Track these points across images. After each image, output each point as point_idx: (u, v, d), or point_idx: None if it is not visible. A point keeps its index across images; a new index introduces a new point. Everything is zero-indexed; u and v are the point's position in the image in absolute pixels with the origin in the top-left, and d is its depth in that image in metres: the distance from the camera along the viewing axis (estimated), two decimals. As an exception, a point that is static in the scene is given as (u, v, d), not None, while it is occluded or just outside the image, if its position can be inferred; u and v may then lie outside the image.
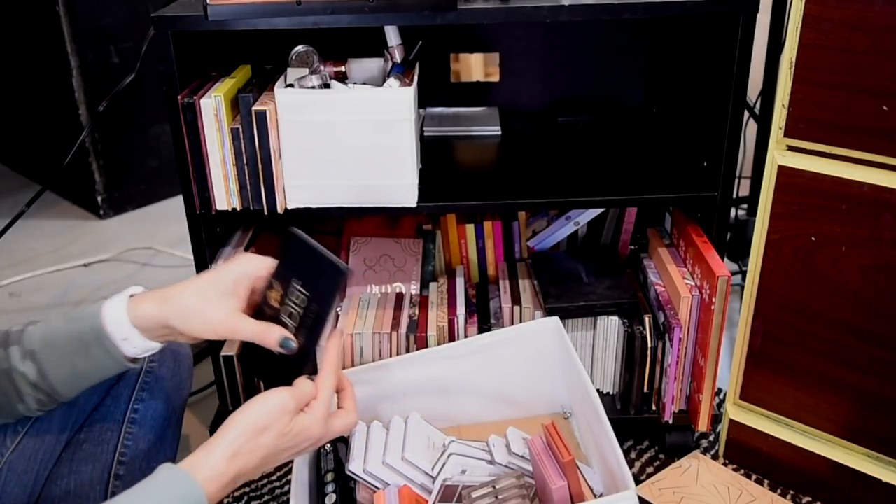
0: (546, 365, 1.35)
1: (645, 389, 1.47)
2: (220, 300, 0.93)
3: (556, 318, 1.33)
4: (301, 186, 1.34)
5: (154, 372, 1.11)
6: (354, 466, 1.18)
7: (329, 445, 1.22)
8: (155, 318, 0.92)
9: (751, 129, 1.95)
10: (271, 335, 0.93)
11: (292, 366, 0.95)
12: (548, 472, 1.09)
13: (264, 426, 0.86)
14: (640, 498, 1.17)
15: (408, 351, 1.43)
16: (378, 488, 1.17)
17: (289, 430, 0.88)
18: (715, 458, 1.49)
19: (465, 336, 1.46)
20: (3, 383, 0.92)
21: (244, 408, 0.88)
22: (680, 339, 1.40)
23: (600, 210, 1.62)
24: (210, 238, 1.42)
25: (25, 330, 0.93)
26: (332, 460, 1.19)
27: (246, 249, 1.47)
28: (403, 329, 1.44)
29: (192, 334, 0.93)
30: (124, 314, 0.92)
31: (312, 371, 0.94)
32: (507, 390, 1.36)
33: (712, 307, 1.33)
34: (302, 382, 0.92)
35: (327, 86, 1.33)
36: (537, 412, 1.38)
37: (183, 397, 1.17)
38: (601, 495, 1.15)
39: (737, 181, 1.42)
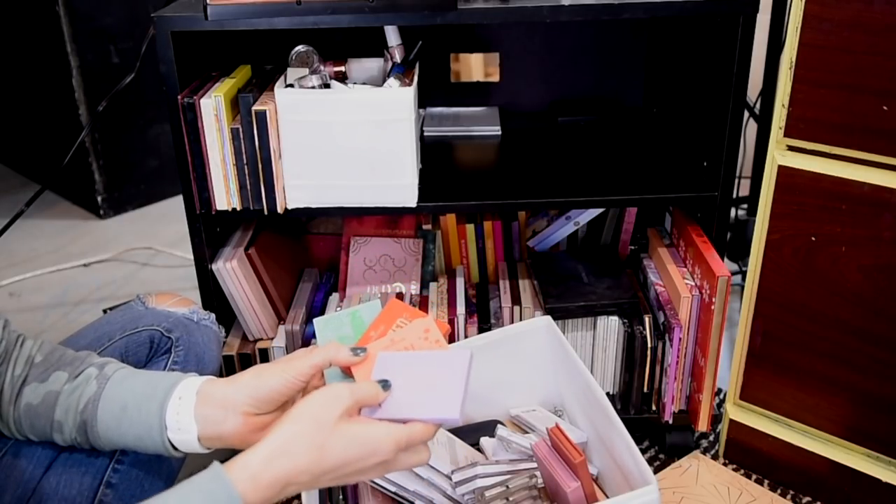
0: (539, 364, 1.35)
1: (645, 389, 1.47)
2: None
3: (548, 318, 1.33)
4: (301, 186, 1.34)
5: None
6: None
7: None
8: (224, 391, 0.89)
9: (751, 129, 1.95)
10: (339, 350, 0.89)
11: None
12: (558, 474, 1.09)
13: (315, 419, 0.78)
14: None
15: (408, 351, 1.43)
16: (391, 491, 1.16)
17: (352, 435, 0.79)
18: (715, 458, 1.49)
19: (466, 336, 1.46)
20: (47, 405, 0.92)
21: (297, 402, 0.82)
22: (680, 339, 1.40)
23: (600, 210, 1.62)
24: (210, 238, 1.42)
25: (105, 385, 0.92)
26: None
27: (246, 250, 1.47)
28: (403, 329, 1.44)
29: (265, 389, 0.88)
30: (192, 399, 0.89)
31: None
32: (501, 390, 1.36)
33: (712, 307, 1.33)
34: (365, 383, 0.85)
35: (327, 86, 1.33)
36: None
37: None
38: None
39: (737, 181, 1.42)
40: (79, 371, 0.93)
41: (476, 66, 1.74)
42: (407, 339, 0.93)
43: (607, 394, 1.50)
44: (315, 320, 0.96)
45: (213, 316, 1.15)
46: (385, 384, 0.87)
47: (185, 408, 0.88)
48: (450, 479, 1.17)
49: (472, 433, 1.28)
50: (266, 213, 1.35)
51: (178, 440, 0.89)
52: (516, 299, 1.50)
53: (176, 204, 2.54)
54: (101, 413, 0.91)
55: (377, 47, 1.41)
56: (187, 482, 0.76)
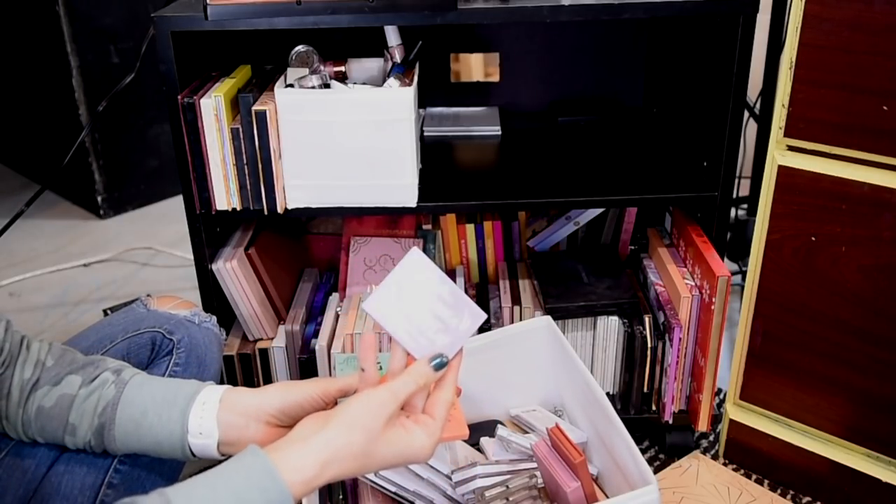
0: (539, 364, 1.35)
1: (645, 389, 1.47)
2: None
3: (548, 318, 1.33)
4: (301, 186, 1.34)
5: (177, 377, 1.08)
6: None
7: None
8: (249, 400, 0.91)
9: (751, 129, 1.95)
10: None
11: None
12: (558, 474, 1.09)
13: (365, 429, 0.80)
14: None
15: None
16: (391, 491, 1.16)
17: (396, 445, 0.81)
18: (715, 458, 1.49)
19: (465, 336, 1.46)
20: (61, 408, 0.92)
21: (344, 406, 0.82)
22: (680, 339, 1.40)
23: (600, 210, 1.62)
24: (210, 238, 1.42)
25: (123, 389, 0.92)
26: None
27: (246, 250, 1.47)
28: (403, 329, 1.44)
29: (291, 402, 0.90)
30: (215, 406, 0.91)
31: None
32: (501, 390, 1.36)
33: (712, 307, 1.33)
34: (404, 379, 0.84)
35: (327, 86, 1.33)
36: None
37: None
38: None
39: (737, 181, 1.42)
40: (94, 375, 0.93)
41: (476, 66, 1.74)
42: None
43: (607, 394, 1.50)
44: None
45: (214, 318, 1.16)
46: (440, 363, 0.86)
47: (208, 413, 0.90)
48: (450, 479, 1.17)
49: (472, 433, 1.28)
50: (266, 213, 1.35)
51: (197, 445, 0.90)
52: (516, 299, 1.50)
53: (176, 204, 2.54)
54: (119, 417, 0.91)
55: (377, 47, 1.41)
56: (234, 471, 0.75)
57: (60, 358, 0.95)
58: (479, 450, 1.28)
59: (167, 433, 0.90)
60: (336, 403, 0.95)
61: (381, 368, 0.99)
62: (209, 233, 1.41)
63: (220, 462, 0.81)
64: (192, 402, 0.90)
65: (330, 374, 1.40)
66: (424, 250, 1.63)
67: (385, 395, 0.82)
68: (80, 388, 0.92)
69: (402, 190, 1.34)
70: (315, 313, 1.57)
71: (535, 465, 1.19)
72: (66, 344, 1.06)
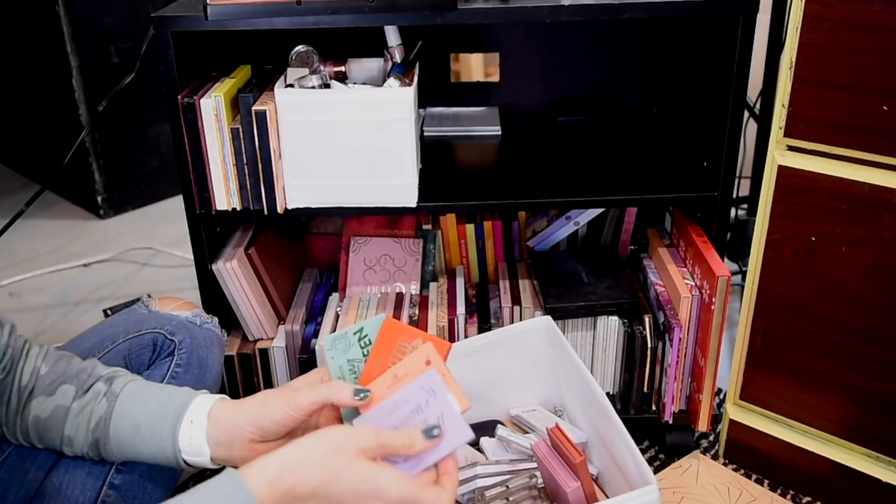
0: (539, 364, 1.35)
1: (645, 389, 1.47)
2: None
3: (548, 318, 1.33)
4: (301, 186, 1.34)
5: (178, 378, 1.08)
6: None
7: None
8: (231, 417, 0.89)
9: (751, 129, 1.95)
10: (342, 390, 0.87)
11: None
12: (558, 474, 1.09)
13: (334, 443, 0.79)
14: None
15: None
16: None
17: (363, 472, 0.79)
18: (715, 458, 1.49)
19: (466, 336, 1.46)
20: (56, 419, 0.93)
21: (329, 427, 0.83)
22: (680, 339, 1.40)
23: (600, 210, 1.62)
24: (210, 238, 1.42)
25: (115, 400, 0.92)
26: None
27: (246, 250, 1.47)
28: (403, 329, 1.44)
29: (267, 419, 0.88)
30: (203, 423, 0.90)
31: None
32: (501, 390, 1.36)
33: (712, 307, 1.33)
34: (401, 434, 0.82)
35: (327, 86, 1.33)
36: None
37: None
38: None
39: (737, 181, 1.42)
40: (87, 386, 0.93)
41: (476, 66, 1.74)
42: (410, 373, 0.89)
43: (607, 394, 1.50)
44: (325, 340, 0.96)
45: (215, 319, 1.16)
46: (434, 433, 0.83)
47: (197, 432, 0.89)
48: None
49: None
50: (266, 213, 1.35)
51: (190, 460, 0.91)
52: (516, 299, 1.50)
53: (176, 204, 2.54)
54: (113, 431, 0.91)
55: (377, 47, 1.41)
56: (203, 486, 0.77)
57: (55, 364, 0.95)
58: (479, 450, 1.28)
59: (160, 449, 0.90)
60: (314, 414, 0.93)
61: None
62: (209, 233, 1.41)
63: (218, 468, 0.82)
64: (181, 420, 0.90)
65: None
66: (424, 250, 1.63)
67: (367, 429, 0.82)
68: (74, 400, 0.92)
69: (402, 190, 1.34)
70: (315, 313, 1.57)
71: (535, 465, 1.19)
72: (67, 345, 1.06)
